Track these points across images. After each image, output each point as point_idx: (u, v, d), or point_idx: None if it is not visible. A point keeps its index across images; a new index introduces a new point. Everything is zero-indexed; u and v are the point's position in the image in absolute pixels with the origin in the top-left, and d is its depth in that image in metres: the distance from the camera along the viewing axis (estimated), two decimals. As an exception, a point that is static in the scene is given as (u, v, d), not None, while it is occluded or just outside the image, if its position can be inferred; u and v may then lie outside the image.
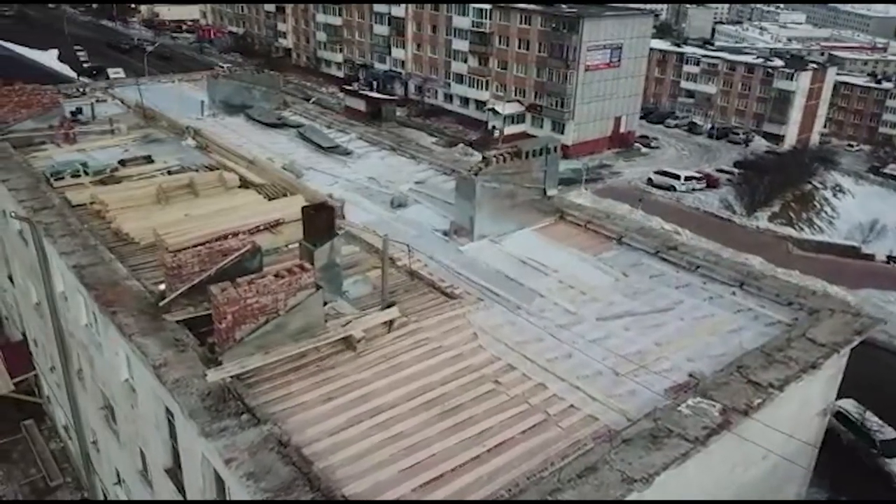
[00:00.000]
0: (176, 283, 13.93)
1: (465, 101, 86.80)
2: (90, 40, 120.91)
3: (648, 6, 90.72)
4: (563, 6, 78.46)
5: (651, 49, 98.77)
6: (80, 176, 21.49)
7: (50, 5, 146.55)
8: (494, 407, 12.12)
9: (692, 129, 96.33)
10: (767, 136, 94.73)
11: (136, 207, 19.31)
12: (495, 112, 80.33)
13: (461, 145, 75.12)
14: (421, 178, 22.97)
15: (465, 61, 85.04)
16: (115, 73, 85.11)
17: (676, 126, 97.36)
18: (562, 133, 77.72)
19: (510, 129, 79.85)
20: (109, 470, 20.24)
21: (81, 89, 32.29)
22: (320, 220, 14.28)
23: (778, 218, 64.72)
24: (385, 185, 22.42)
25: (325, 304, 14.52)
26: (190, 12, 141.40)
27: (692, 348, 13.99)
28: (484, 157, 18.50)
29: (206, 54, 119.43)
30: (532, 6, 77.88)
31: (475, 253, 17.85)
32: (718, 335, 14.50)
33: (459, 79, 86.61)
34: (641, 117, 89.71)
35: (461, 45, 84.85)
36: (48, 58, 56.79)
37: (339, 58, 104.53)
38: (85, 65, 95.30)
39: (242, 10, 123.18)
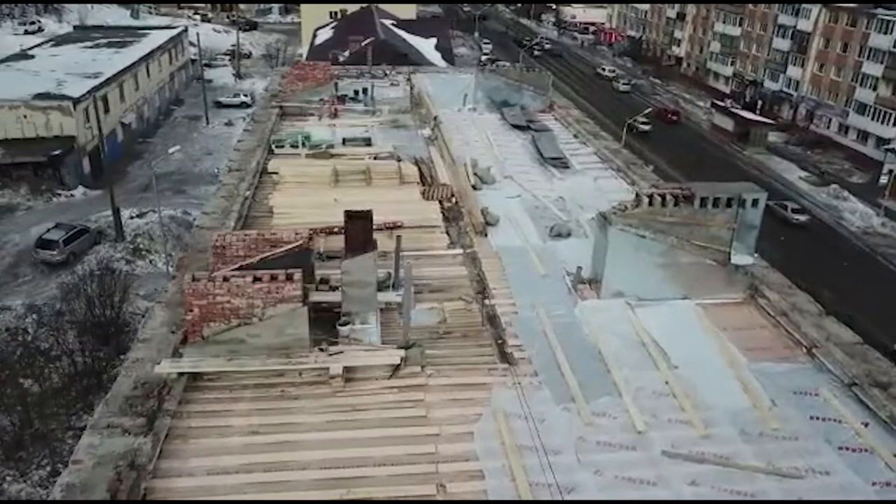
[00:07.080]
0: (219, 262, 13.56)
1: (864, 135, 71.72)
2: (503, 35, 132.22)
3: None
4: None
5: None
6: (297, 147, 22.88)
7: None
8: (405, 519, 9.05)
9: None
10: None
11: (305, 184, 19.71)
12: (895, 153, 64.75)
13: (834, 186, 62.42)
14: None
15: (874, 88, 70.03)
16: (503, 65, 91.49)
17: None
18: None
19: (913, 178, 63.70)
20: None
21: (385, 72, 34.68)
22: (356, 229, 12.37)
23: None
24: (569, 209, 19.09)
25: (346, 325, 12.75)
26: (600, 15, 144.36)
27: (770, 555, 8.62)
28: (637, 195, 14.22)
29: (595, 55, 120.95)
30: None
31: (589, 314, 13.86)
32: (842, 552, 8.68)
33: (861, 108, 71.80)
34: None
35: (873, 68, 70.03)
36: (425, 45, 63.13)
37: (728, 71, 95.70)
38: (483, 57, 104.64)
39: (644, 16, 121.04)
